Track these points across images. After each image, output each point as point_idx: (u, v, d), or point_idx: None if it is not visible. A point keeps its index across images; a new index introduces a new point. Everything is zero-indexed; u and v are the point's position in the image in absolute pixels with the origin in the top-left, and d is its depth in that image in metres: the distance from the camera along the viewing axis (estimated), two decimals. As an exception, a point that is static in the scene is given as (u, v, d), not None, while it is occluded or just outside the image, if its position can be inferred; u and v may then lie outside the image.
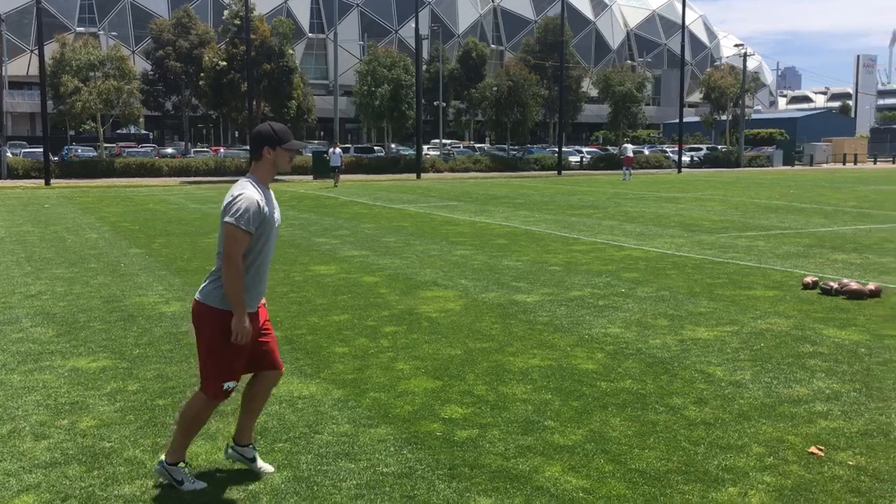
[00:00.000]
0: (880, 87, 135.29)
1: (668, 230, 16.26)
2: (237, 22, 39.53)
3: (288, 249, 13.34)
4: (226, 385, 4.09)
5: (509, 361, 6.49)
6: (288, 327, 7.65)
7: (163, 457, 4.22)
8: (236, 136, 69.07)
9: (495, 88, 52.90)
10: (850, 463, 4.45)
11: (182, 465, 4.17)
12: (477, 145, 63.92)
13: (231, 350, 4.05)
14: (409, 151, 52.35)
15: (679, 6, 60.58)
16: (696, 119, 71.14)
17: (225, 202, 3.99)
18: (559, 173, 47.73)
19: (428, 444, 4.73)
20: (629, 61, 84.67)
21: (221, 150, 55.42)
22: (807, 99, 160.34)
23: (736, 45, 69.73)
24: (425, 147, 53.32)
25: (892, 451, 4.62)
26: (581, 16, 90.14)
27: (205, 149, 57.22)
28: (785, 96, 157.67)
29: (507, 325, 7.75)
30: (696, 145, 66.20)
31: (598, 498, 4.02)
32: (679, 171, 51.40)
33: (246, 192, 3.95)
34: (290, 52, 41.21)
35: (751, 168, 58.22)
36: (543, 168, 51.65)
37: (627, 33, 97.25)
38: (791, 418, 5.16)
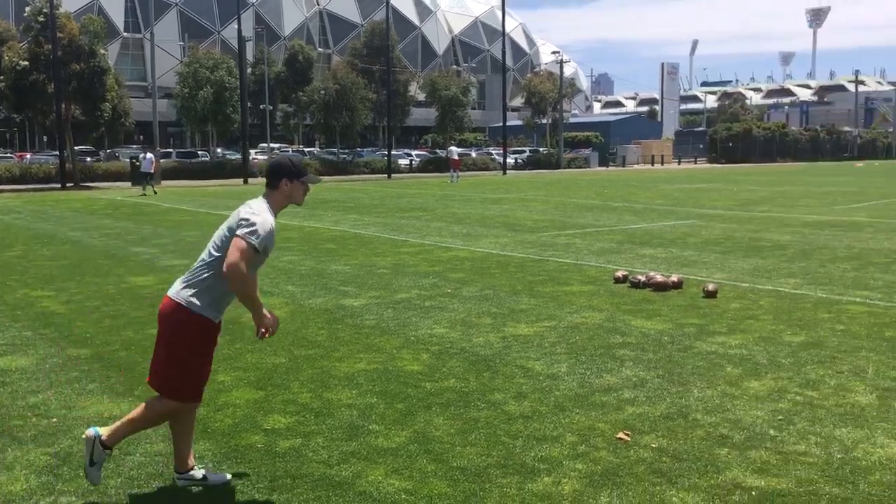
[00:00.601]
0: (682, 92, 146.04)
1: (493, 230, 16.76)
2: (41, 19, 36.79)
3: (101, 261, 12.59)
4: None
5: (335, 367, 6.44)
6: (99, 343, 7.21)
7: (103, 432, 4.06)
8: (44, 140, 64.40)
9: (323, 92, 52.50)
10: (654, 445, 4.75)
11: (108, 452, 4.10)
12: (307, 149, 63.08)
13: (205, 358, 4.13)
14: (235, 156, 50.88)
15: (500, 14, 62.57)
16: (519, 122, 73.88)
17: (241, 215, 3.99)
18: (389, 176, 48.04)
19: (248, 457, 4.61)
20: (454, 66, 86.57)
21: (28, 155, 51.61)
22: (619, 104, 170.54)
23: (553, 52, 73.04)
24: (253, 151, 51.99)
25: (690, 431, 4.98)
26: (407, 21, 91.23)
27: (8, 154, 53.03)
28: (599, 101, 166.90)
29: (334, 331, 7.70)
30: (519, 148, 68.77)
31: (419, 498, 4.07)
32: (504, 173, 53.17)
33: (265, 214, 4.02)
34: (103, 51, 38.89)
35: (570, 169, 61.16)
36: (373, 171, 51.81)
37: (452, 39, 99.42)
38: (602, 406, 5.45)
